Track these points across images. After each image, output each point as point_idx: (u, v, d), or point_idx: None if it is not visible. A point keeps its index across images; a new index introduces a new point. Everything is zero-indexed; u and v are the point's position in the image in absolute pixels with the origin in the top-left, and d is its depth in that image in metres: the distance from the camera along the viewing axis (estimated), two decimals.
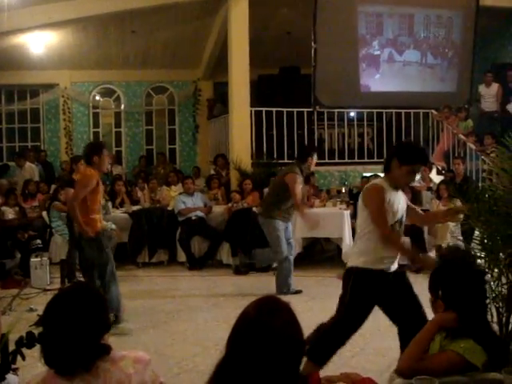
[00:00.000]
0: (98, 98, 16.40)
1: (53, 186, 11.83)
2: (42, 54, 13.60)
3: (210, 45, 14.63)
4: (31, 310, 7.27)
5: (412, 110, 13.38)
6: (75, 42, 13.78)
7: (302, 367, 2.16)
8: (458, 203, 8.84)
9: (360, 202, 4.52)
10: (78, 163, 8.74)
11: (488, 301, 3.89)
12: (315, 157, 8.23)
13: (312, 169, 8.60)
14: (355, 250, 4.60)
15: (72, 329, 2.26)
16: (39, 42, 13.21)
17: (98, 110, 16.46)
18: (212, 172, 13.22)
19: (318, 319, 6.33)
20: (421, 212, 5.14)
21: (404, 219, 4.61)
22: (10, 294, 8.03)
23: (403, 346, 4.25)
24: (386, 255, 4.49)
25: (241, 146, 11.97)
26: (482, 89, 13.04)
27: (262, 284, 8.66)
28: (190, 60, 15.53)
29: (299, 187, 7.87)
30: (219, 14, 13.06)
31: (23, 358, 3.04)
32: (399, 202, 4.52)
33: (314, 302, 7.75)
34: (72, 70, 15.49)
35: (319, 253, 11.07)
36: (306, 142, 12.69)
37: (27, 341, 2.30)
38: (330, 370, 4.26)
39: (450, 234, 9.60)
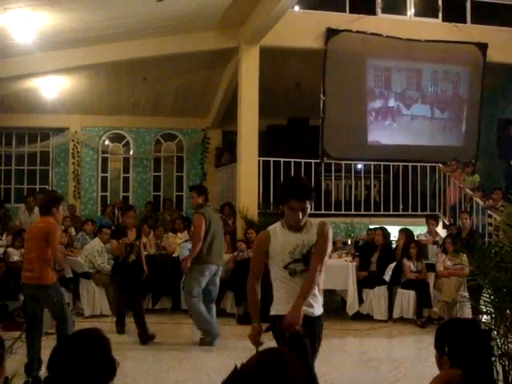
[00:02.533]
0: (107, 143, 16.54)
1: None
2: (54, 98, 13.79)
3: (219, 94, 14.81)
4: None
5: (419, 164, 13.43)
6: (87, 87, 13.99)
7: None
8: (464, 258, 8.85)
9: None
10: (125, 216, 9.04)
11: (494, 358, 3.85)
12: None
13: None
14: None
15: (78, 375, 2.24)
16: (52, 87, 13.41)
17: (106, 155, 16.58)
18: None
19: (320, 372, 6.27)
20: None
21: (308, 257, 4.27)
22: (11, 337, 7.96)
23: None
24: None
25: (248, 195, 11.99)
26: None
27: (266, 335, 8.57)
28: (199, 108, 15.70)
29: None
30: (230, 65, 13.26)
31: None
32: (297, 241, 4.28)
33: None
34: (83, 115, 15.68)
35: (324, 304, 10.96)
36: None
37: None
38: None
39: (456, 290, 9.54)
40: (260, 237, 4.33)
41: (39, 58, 11.40)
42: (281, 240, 4.24)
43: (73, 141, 15.96)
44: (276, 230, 4.29)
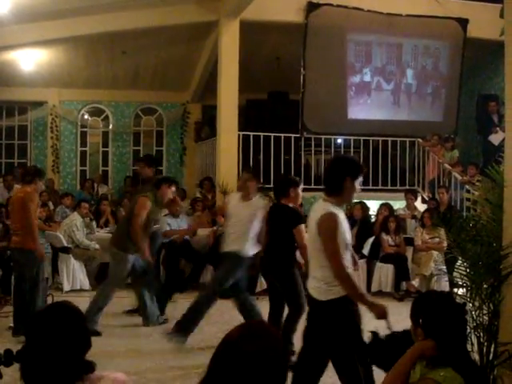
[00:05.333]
0: (86, 117, 16.41)
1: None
2: (32, 71, 13.59)
3: (199, 68, 14.71)
4: (10, 328, 7.19)
5: (398, 139, 13.49)
6: (65, 60, 13.81)
7: None
8: (442, 232, 8.93)
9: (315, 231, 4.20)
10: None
11: (469, 330, 3.90)
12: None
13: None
14: None
15: (53, 347, 2.24)
16: (29, 60, 13.21)
17: (85, 129, 16.46)
18: (198, 195, 13.21)
19: (297, 345, 6.33)
20: None
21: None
22: None
23: None
24: None
25: (227, 170, 11.97)
26: None
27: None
28: (179, 82, 15.59)
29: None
30: (210, 38, 13.15)
31: (1, 376, 3.00)
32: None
33: (298, 327, 7.70)
34: (61, 89, 15.52)
35: (303, 277, 11.03)
36: (293, 168, 12.75)
37: (5, 358, 2.27)
38: None
39: (434, 263, 9.65)
40: (335, 218, 4.15)
41: (16, 30, 11.20)
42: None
43: (51, 115, 15.81)
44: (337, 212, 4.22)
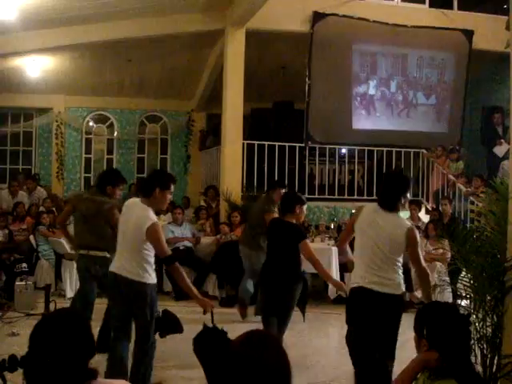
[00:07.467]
0: (91, 124, 16.45)
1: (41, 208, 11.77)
2: (38, 77, 13.65)
3: (204, 77, 14.75)
4: (13, 334, 7.19)
5: (403, 149, 13.48)
6: (71, 67, 13.86)
7: None
8: (446, 243, 8.91)
9: (401, 239, 4.73)
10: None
11: (472, 342, 3.89)
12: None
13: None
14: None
15: (57, 354, 2.24)
16: (35, 66, 13.27)
17: (90, 136, 16.49)
18: (202, 203, 13.20)
19: (301, 354, 6.33)
20: None
21: None
22: None
23: None
24: None
25: (232, 178, 11.98)
26: None
27: (248, 317, 8.61)
28: (184, 91, 15.64)
29: None
30: (215, 47, 13.19)
31: (4, 382, 3.00)
32: None
33: (299, 337, 7.70)
34: (67, 96, 15.56)
35: (306, 288, 11.00)
36: (297, 177, 12.76)
37: (9, 364, 2.27)
38: None
39: (437, 274, 9.61)
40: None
41: (22, 37, 11.26)
42: None
43: (56, 121, 15.85)
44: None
